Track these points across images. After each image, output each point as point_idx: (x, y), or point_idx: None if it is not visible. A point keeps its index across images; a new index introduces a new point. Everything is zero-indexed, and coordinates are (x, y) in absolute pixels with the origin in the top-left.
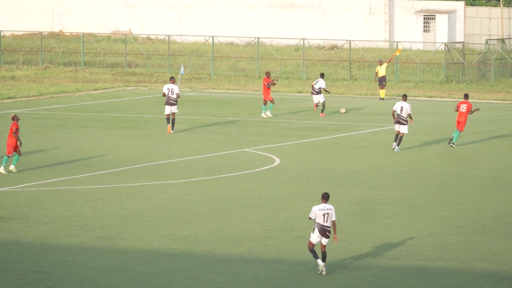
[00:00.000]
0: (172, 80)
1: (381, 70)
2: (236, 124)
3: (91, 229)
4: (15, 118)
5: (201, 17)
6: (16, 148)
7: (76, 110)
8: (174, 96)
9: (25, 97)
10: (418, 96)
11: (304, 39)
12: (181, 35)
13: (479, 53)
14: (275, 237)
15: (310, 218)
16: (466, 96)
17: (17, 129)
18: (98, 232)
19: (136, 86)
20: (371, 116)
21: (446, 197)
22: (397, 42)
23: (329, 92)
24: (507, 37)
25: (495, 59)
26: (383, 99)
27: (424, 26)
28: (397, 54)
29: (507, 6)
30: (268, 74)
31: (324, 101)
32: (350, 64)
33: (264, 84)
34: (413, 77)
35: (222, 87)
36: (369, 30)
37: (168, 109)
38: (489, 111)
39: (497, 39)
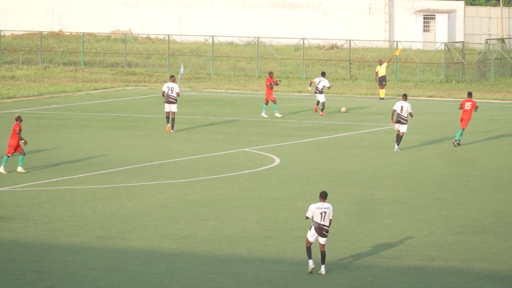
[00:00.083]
0: (172, 78)
1: (381, 70)
2: (236, 124)
3: (91, 229)
4: (19, 119)
5: (201, 16)
6: (17, 149)
7: (76, 110)
8: (174, 94)
9: (25, 96)
10: (418, 96)
11: (304, 38)
12: (181, 35)
13: (479, 53)
14: (275, 237)
15: (307, 217)
16: (469, 94)
17: (20, 129)
18: (98, 232)
19: (136, 86)
20: (371, 116)
21: (446, 197)
22: (397, 41)
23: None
24: (507, 36)
25: (495, 58)
26: (383, 98)
27: (424, 25)
28: (397, 54)
29: (507, 6)
30: (271, 74)
31: (324, 101)
32: (350, 63)
33: (266, 84)
34: (413, 77)
35: (222, 87)
36: (369, 29)
37: (167, 107)
38: (489, 111)
39: (497, 38)
